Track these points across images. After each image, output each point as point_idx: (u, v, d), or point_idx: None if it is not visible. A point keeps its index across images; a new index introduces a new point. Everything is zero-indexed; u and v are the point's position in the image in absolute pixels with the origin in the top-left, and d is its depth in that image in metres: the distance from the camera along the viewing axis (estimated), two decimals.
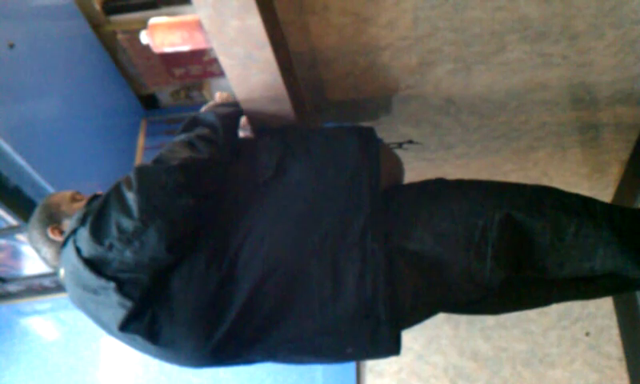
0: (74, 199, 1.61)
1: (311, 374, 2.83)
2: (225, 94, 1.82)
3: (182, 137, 1.53)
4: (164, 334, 1.44)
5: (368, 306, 1.47)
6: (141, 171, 1.40)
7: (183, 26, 1.84)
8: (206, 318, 1.44)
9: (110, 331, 1.50)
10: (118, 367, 3.00)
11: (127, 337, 1.47)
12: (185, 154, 1.44)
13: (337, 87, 2.05)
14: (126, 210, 1.36)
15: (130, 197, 1.36)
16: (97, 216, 1.39)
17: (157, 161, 1.43)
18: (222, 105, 1.73)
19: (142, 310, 1.41)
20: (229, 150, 1.57)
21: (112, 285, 1.38)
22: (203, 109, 1.72)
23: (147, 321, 1.42)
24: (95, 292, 1.41)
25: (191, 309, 1.43)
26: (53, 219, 1.57)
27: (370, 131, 1.71)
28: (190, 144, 1.49)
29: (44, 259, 1.61)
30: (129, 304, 1.39)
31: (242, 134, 1.78)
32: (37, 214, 1.60)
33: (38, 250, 1.60)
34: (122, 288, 1.38)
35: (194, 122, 1.59)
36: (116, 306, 1.40)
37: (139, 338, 1.45)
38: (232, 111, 1.68)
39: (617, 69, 1.97)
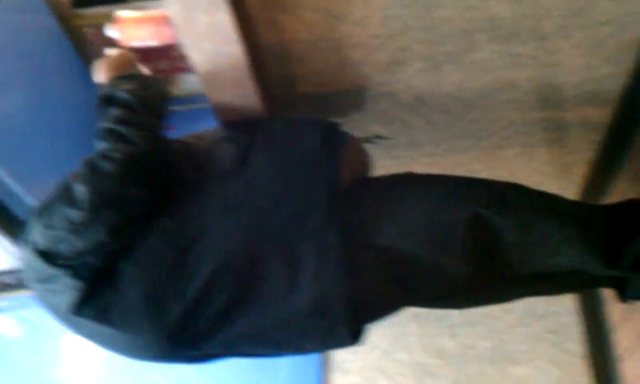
0: None
1: (275, 372, 2.82)
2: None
3: (102, 125, 1.50)
4: (117, 319, 1.43)
5: (325, 302, 1.46)
6: (88, 164, 1.41)
7: (151, 21, 1.82)
8: (157, 302, 1.43)
9: (68, 322, 1.48)
10: (81, 366, 2.96)
11: (82, 324, 1.45)
12: (122, 146, 1.43)
13: (308, 83, 2.04)
14: (74, 201, 1.37)
15: (78, 188, 1.37)
16: (46, 208, 1.40)
17: (101, 154, 1.43)
18: (125, 77, 1.64)
19: (94, 292, 1.40)
20: (156, 122, 1.56)
21: (63, 271, 1.38)
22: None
23: (100, 304, 1.41)
24: (48, 281, 1.40)
25: (141, 292, 1.42)
26: None
27: (334, 125, 1.71)
28: (116, 133, 1.46)
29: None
30: (80, 285, 1.39)
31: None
32: None
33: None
34: (73, 272, 1.38)
35: (105, 103, 1.55)
36: (69, 290, 1.39)
37: (94, 325, 1.44)
38: (138, 83, 1.61)
39: (584, 70, 2.00)
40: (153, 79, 1.69)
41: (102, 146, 1.46)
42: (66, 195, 1.38)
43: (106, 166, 1.40)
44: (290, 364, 2.82)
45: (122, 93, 1.53)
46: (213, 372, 2.73)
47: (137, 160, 1.43)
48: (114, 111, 1.51)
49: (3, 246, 2.08)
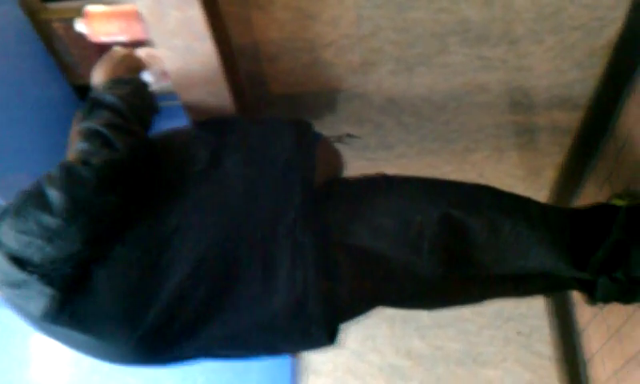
0: None
1: (246, 373, 2.81)
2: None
3: (88, 125, 1.46)
4: (91, 325, 1.40)
5: (299, 303, 1.45)
6: (65, 168, 1.37)
7: (121, 16, 1.80)
8: (131, 307, 1.40)
9: (40, 327, 1.45)
10: (50, 366, 2.93)
11: (55, 330, 1.42)
12: (104, 151, 1.40)
13: (280, 82, 2.03)
14: (47, 207, 1.32)
15: (53, 194, 1.33)
16: (17, 212, 1.35)
17: (78, 159, 1.39)
18: (119, 81, 1.61)
19: (64, 298, 1.36)
20: (142, 131, 1.54)
21: (34, 277, 1.34)
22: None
23: (73, 311, 1.37)
24: (19, 286, 1.36)
25: (115, 298, 1.39)
26: None
27: (307, 125, 1.71)
28: (102, 136, 1.43)
29: None
30: (50, 292, 1.34)
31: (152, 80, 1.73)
32: None
33: None
34: (43, 278, 1.34)
35: (94, 104, 1.52)
36: (41, 296, 1.35)
37: (67, 330, 1.40)
38: (131, 89, 1.58)
39: (554, 74, 2.02)
40: (146, 89, 1.66)
41: (83, 146, 1.42)
42: (39, 199, 1.34)
43: (83, 172, 1.35)
44: (262, 366, 2.81)
45: (113, 97, 1.50)
46: (184, 375, 2.72)
47: (115, 167, 1.39)
48: (103, 113, 1.48)
49: None
